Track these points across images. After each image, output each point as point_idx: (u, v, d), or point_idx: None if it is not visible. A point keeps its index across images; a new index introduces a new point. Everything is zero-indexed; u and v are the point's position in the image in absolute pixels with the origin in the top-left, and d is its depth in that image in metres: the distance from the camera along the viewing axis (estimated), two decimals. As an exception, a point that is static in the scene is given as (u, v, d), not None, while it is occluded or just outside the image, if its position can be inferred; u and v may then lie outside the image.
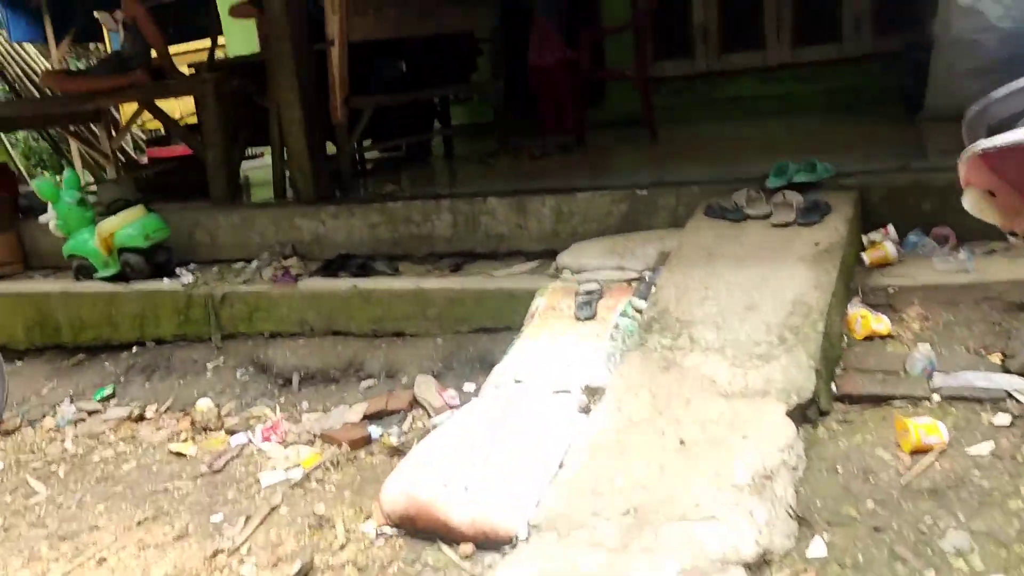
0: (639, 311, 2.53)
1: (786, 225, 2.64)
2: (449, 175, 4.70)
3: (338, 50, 3.71)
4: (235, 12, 4.35)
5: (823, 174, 2.89)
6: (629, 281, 2.75)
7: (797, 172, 2.89)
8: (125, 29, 4.26)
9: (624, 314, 2.55)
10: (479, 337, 3.03)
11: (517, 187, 3.61)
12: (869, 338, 2.27)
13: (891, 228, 2.72)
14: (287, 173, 3.91)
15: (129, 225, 3.72)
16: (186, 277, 3.70)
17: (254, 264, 3.72)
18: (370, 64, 4.84)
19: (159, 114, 4.56)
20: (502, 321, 3.00)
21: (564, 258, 3.00)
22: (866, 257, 2.64)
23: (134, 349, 3.67)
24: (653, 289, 2.51)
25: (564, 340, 2.47)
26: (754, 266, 2.44)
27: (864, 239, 2.72)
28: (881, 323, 2.27)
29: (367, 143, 5.31)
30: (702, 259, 2.55)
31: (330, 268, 3.47)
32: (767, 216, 2.73)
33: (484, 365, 2.93)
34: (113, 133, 5.44)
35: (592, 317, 2.55)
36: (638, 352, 2.22)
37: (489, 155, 4.93)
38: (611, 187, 3.28)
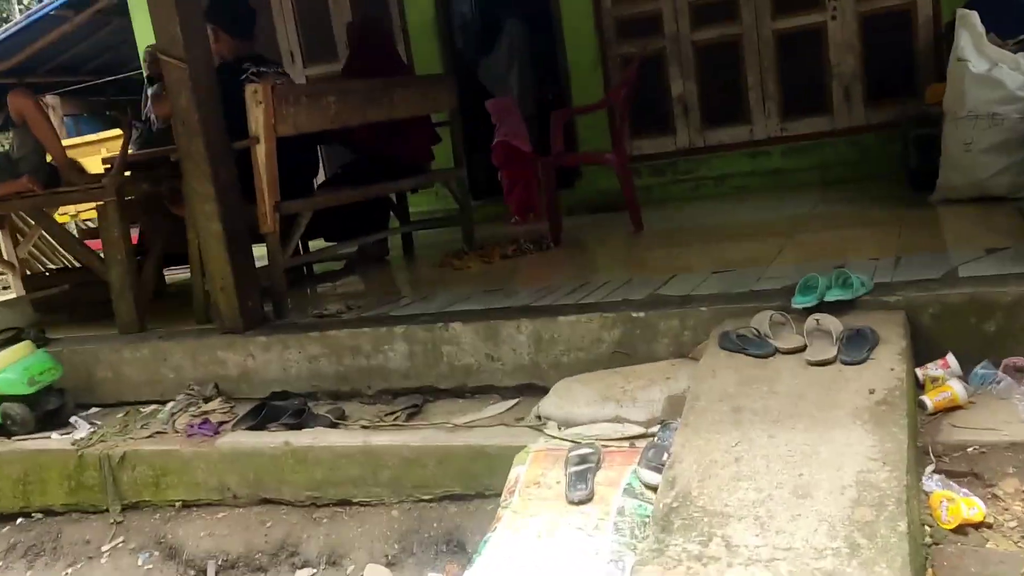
0: (650, 487, 2.00)
1: (827, 363, 2.15)
2: (409, 282, 4.20)
3: (264, 148, 3.23)
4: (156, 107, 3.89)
5: (860, 290, 2.42)
6: (631, 440, 2.23)
7: (829, 289, 2.42)
8: (13, 127, 3.76)
9: (630, 491, 2.02)
10: (445, 508, 2.47)
11: (485, 305, 3.11)
12: (960, 529, 1.76)
13: (951, 359, 2.25)
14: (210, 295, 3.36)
15: (9, 368, 3.14)
16: (80, 430, 3.11)
17: (167, 408, 3.14)
18: (311, 154, 4.39)
19: (51, 225, 4.01)
20: (473, 486, 2.45)
21: (548, 406, 2.47)
22: (928, 400, 2.15)
23: (19, 521, 3.04)
24: (666, 457, 1.99)
25: (555, 535, 1.92)
26: (796, 427, 1.94)
27: (919, 373, 2.24)
28: (973, 508, 1.76)
29: (316, 243, 4.82)
30: (727, 415, 2.04)
31: (259, 415, 2.90)
32: (800, 350, 2.24)
33: (452, 547, 2.37)
34: (18, 239, 4.87)
35: (588, 498, 2.01)
36: (656, 566, 1.68)
37: (454, 255, 4.44)
38: (600, 307, 2.79)
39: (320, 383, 3.07)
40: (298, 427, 2.78)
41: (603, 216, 5.35)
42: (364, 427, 2.73)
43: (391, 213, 4.99)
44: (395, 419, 2.77)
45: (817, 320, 2.29)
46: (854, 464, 1.79)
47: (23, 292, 4.72)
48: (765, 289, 2.68)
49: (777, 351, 2.27)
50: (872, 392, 2.00)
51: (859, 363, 2.12)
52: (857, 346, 2.17)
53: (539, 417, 2.48)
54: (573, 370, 2.71)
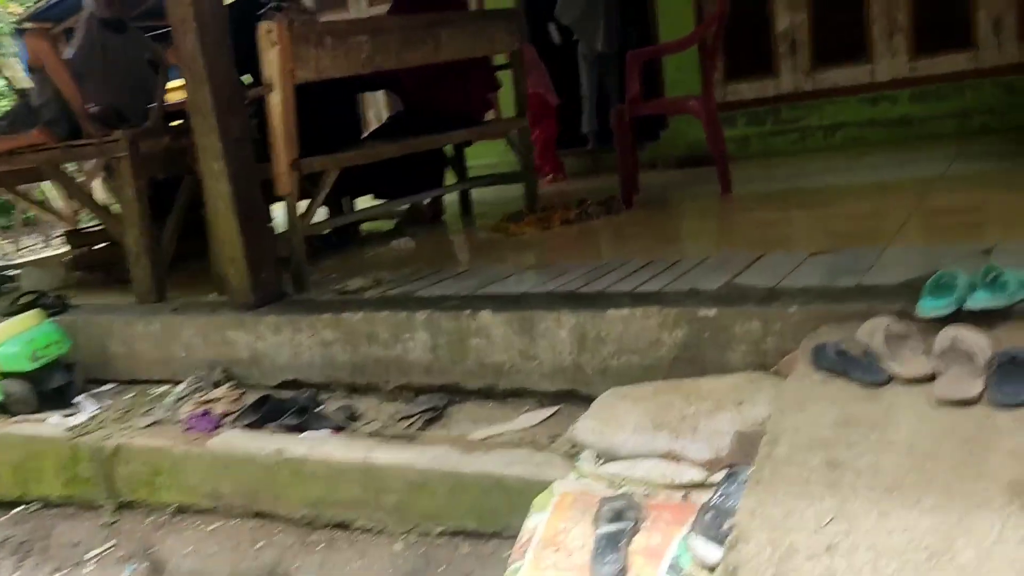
0: (705, 567, 1.48)
1: (968, 403, 1.55)
2: (454, 250, 3.72)
3: (280, 96, 2.78)
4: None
5: (1019, 293, 1.77)
6: (686, 490, 1.70)
7: (973, 290, 1.78)
8: (32, 72, 3.47)
9: (676, 569, 1.50)
10: (456, 547, 2.02)
11: (529, 287, 2.60)
12: None
13: None
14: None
15: (10, 340, 2.88)
16: (82, 413, 2.82)
17: (175, 392, 2.82)
18: (345, 105, 3.93)
19: (64, 180, 3.72)
20: (489, 523, 1.99)
21: (585, 430, 1.96)
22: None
23: (16, 511, 2.81)
24: (728, 525, 1.46)
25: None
26: (920, 502, 1.36)
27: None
28: None
29: (365, 201, 4.41)
30: (818, 473, 1.48)
31: (260, 409, 2.52)
32: (928, 379, 1.64)
33: (461, 600, 1.92)
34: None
35: (621, 573, 1.50)
36: None
37: (511, 218, 3.93)
38: (661, 298, 2.23)
39: (334, 373, 2.66)
40: (299, 429, 2.39)
41: (691, 172, 4.70)
42: (372, 435, 2.30)
43: (447, 169, 4.51)
44: (410, 424, 2.33)
45: (954, 337, 1.67)
46: (1011, 572, 1.21)
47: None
48: (879, 285, 2.05)
49: (893, 379, 1.67)
50: (1037, 456, 1.39)
51: (1018, 406, 1.50)
52: (1014, 379, 1.55)
53: (574, 444, 1.97)
54: (623, 378, 2.18)
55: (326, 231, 3.96)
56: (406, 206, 4.28)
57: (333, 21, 3.05)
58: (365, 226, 4.57)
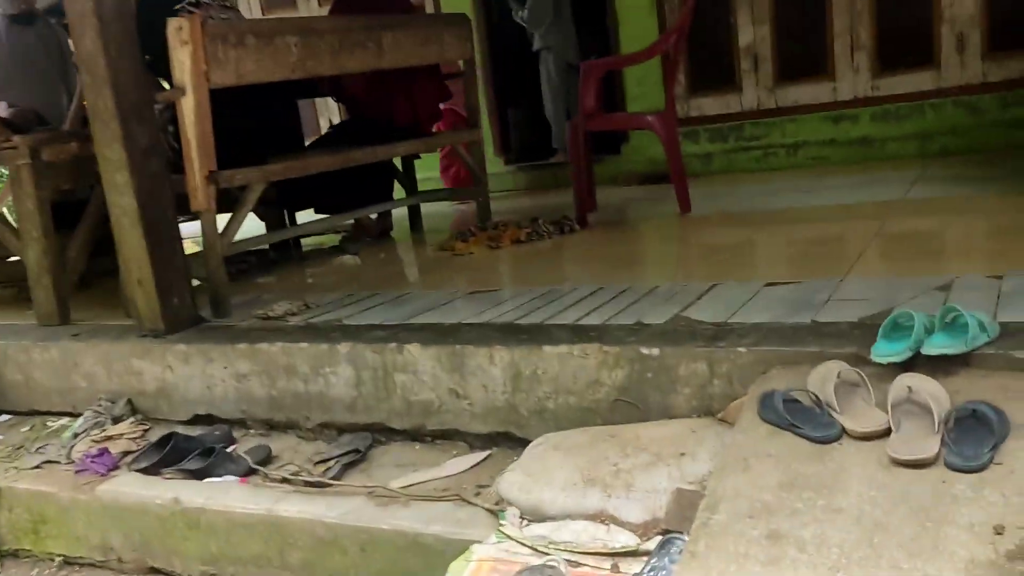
0: (629, 655, 1.31)
1: (923, 464, 1.40)
2: (395, 270, 3.53)
3: (192, 102, 2.58)
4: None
5: (980, 337, 1.64)
6: (615, 559, 1.53)
7: (930, 334, 1.65)
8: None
9: (600, 655, 1.33)
10: (367, 612, 1.84)
11: (468, 314, 2.42)
12: None
13: None
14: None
15: None
16: (-32, 450, 2.58)
17: (74, 426, 2.59)
18: (282, 111, 3.74)
19: None
20: (405, 586, 1.80)
21: (510, 485, 1.78)
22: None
23: None
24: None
25: None
26: (869, 585, 1.21)
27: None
28: None
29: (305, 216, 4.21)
30: (756, 545, 1.32)
31: (163, 448, 2.31)
32: (882, 435, 1.49)
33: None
34: None
35: (536, 663, 1.33)
36: None
37: (459, 235, 3.76)
38: (601, 334, 2.07)
39: (250, 408, 2.46)
40: (203, 473, 2.18)
41: (653, 189, 4.57)
42: (284, 481, 2.10)
43: (396, 181, 4.33)
44: (327, 470, 2.13)
45: (910, 387, 1.53)
46: (967, 677, 1.06)
47: None
48: (834, 322, 1.91)
49: (845, 433, 1.52)
50: (999, 533, 1.24)
51: (977, 470, 1.36)
52: (974, 438, 1.41)
53: (499, 501, 1.80)
54: (561, 420, 2.02)
55: (263, 246, 3.75)
56: (351, 221, 4.08)
57: (260, 19, 2.85)
58: (310, 241, 4.38)
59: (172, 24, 2.57)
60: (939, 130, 4.40)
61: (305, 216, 4.22)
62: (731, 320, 2.05)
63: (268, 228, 4.19)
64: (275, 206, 4.09)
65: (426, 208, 4.45)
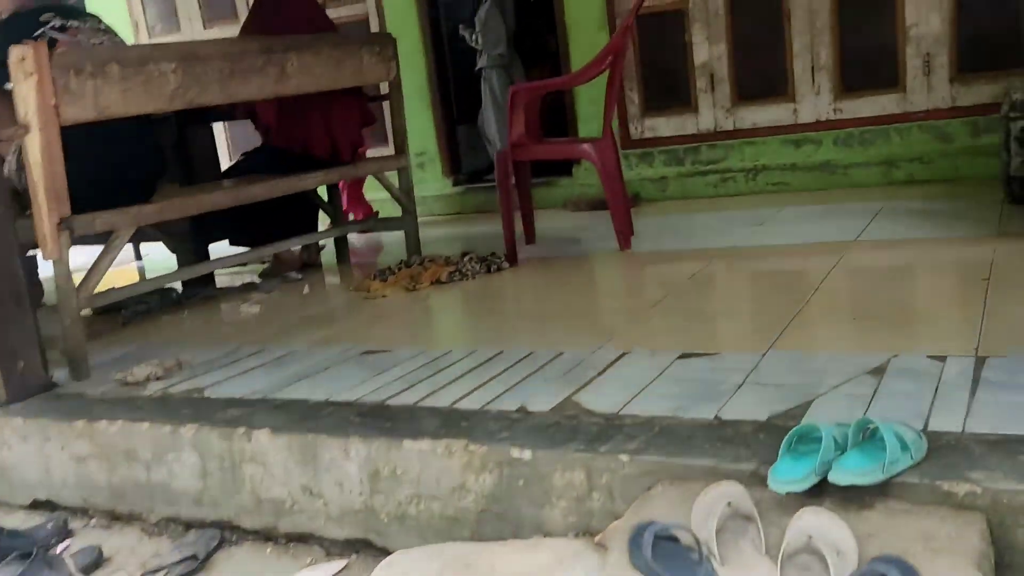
0: None
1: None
2: (297, 317, 3.21)
3: (41, 140, 2.27)
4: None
5: (899, 462, 1.33)
6: None
7: (841, 454, 1.34)
8: None
9: None
10: None
11: (326, 396, 2.11)
12: None
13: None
14: None
15: None
16: None
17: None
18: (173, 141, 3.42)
19: None
20: None
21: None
22: None
23: None
24: None
25: None
26: None
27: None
28: None
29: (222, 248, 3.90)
30: None
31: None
32: (768, 597, 1.19)
33: None
34: None
35: None
36: None
37: (378, 273, 3.45)
38: (471, 425, 1.76)
39: (91, 496, 2.14)
40: (16, 583, 1.86)
41: (603, 216, 4.22)
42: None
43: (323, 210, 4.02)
44: (157, 582, 1.82)
45: (810, 534, 1.22)
46: None
47: None
48: (737, 422, 1.61)
49: (725, 591, 1.22)
50: None
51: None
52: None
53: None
54: (425, 530, 1.71)
55: (166, 286, 3.43)
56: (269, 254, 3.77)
57: (133, 46, 2.53)
58: (230, 274, 4.07)
59: (14, 54, 2.26)
60: (905, 156, 4.12)
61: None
62: (625, 410, 1.74)
63: (180, 263, 3.87)
64: (188, 239, 3.78)
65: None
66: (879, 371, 1.76)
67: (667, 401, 1.76)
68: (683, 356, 2.04)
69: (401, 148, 3.79)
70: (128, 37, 6.34)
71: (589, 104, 4.79)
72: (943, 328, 2.04)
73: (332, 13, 5.49)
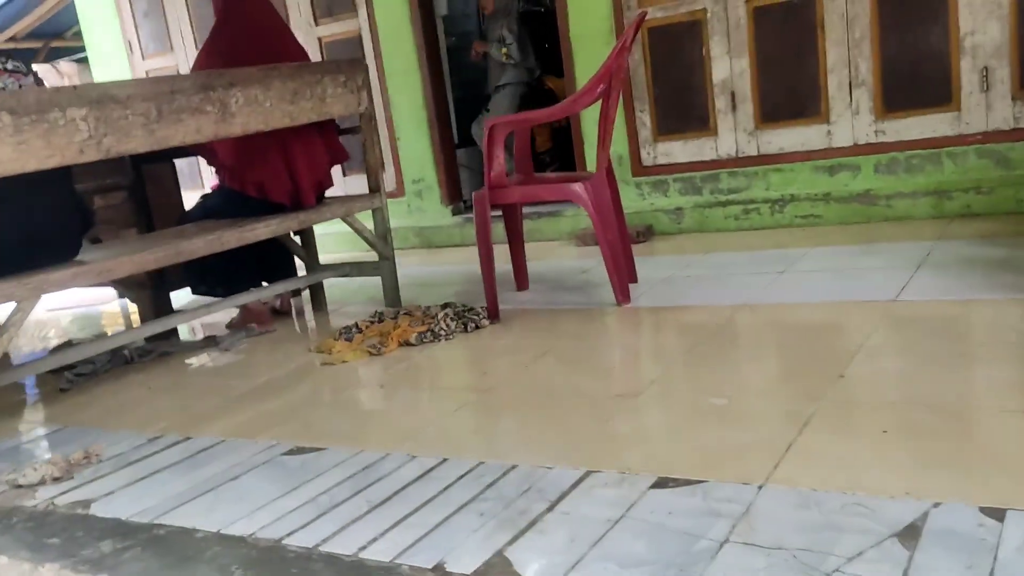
0: None
1: None
2: (248, 384, 2.85)
3: None
4: None
5: None
6: None
7: None
8: None
9: None
10: None
11: (214, 519, 1.75)
12: None
13: None
14: None
15: None
16: None
17: None
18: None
19: None
20: None
21: None
22: None
23: None
24: None
25: None
26: None
27: None
28: None
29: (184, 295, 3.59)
30: None
31: None
32: None
33: None
34: None
35: None
36: None
37: (346, 331, 3.10)
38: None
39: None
40: None
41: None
42: None
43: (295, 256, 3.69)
44: None
45: None
46: None
47: None
48: None
49: None
50: None
51: None
52: None
53: None
54: None
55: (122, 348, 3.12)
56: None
57: (32, 88, 2.22)
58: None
59: None
60: (960, 185, 3.63)
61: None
62: (568, 580, 1.34)
63: (142, 315, 3.58)
64: (146, 286, 3.48)
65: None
66: (912, 533, 1.33)
67: (622, 570, 1.35)
68: (659, 483, 1.63)
69: (375, 186, 3.43)
70: (122, 59, 6.13)
71: (595, 126, 4.39)
72: (1007, 459, 1.58)
73: (322, 31, 5.22)
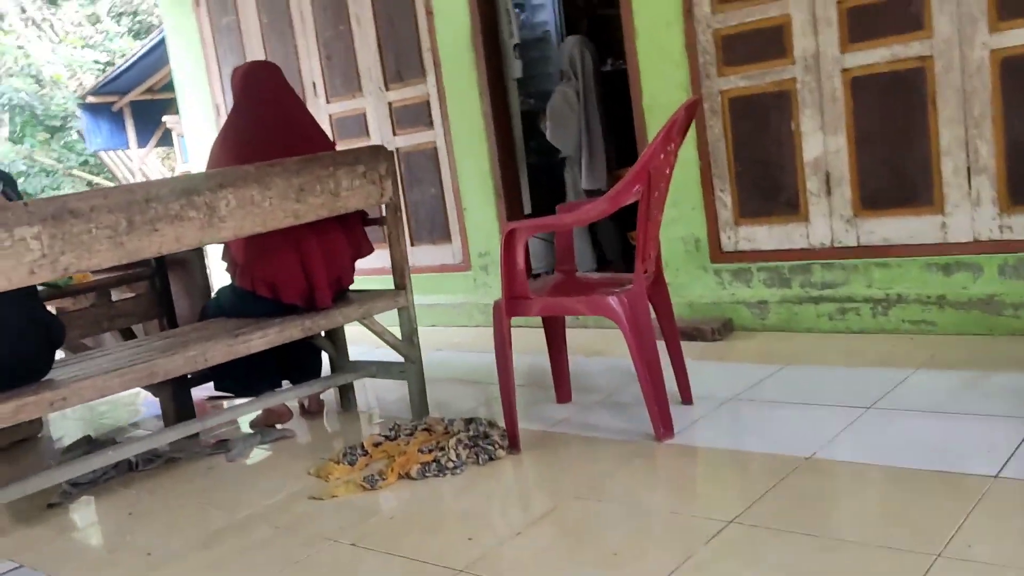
0: None
1: None
2: (239, 510, 2.62)
3: None
4: None
5: None
6: None
7: None
8: None
9: None
10: None
11: None
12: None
13: None
14: None
15: None
16: None
17: None
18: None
19: None
20: None
21: None
22: None
23: None
24: None
25: None
26: None
27: None
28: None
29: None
30: None
31: None
32: None
33: None
34: None
35: None
36: None
37: (349, 454, 2.83)
38: None
39: None
40: None
41: (684, 350, 3.36)
42: None
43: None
44: None
45: None
46: None
47: None
48: None
49: None
50: None
51: None
52: None
53: None
54: None
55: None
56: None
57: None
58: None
59: None
60: (1112, 294, 2.97)
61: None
62: None
63: (164, 413, 3.43)
64: (171, 384, 3.36)
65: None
66: None
67: None
68: None
69: (401, 283, 3.17)
70: (210, 120, 6.23)
71: (669, 205, 3.97)
72: None
73: (392, 96, 5.09)
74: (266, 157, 2.85)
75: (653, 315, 2.77)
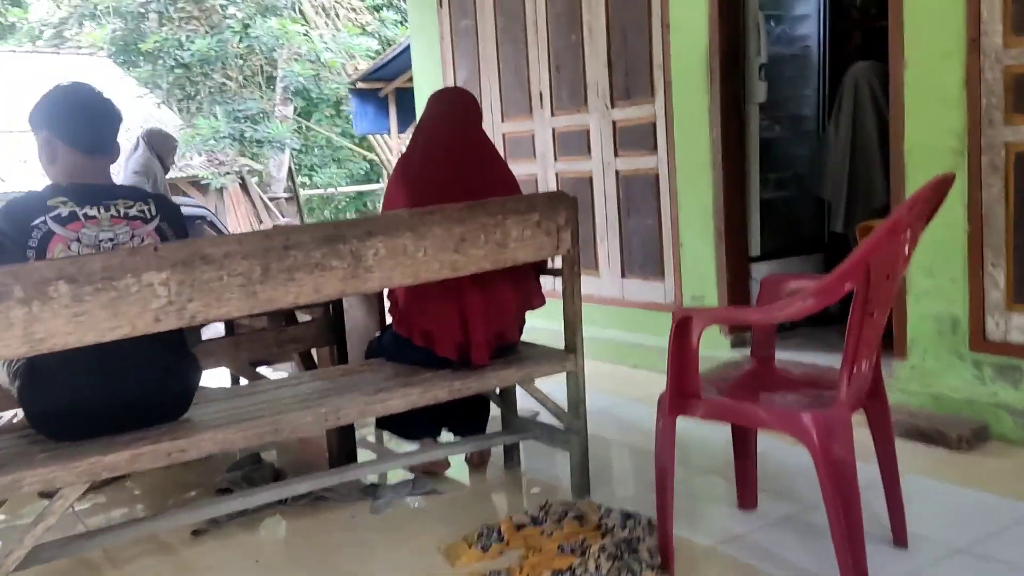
0: None
1: None
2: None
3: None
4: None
5: None
6: None
7: None
8: None
9: None
10: None
11: None
12: None
13: None
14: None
15: None
16: None
17: None
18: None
19: None
20: None
21: None
22: None
23: None
24: None
25: None
26: None
27: None
28: None
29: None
30: None
31: None
32: None
33: None
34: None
35: None
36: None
37: (483, 538, 2.62)
38: None
39: None
40: None
41: (904, 454, 2.74)
42: None
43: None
44: None
45: None
46: None
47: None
48: None
49: None
50: None
51: None
52: None
53: None
54: None
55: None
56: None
57: (101, 256, 2.11)
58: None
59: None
60: None
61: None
62: None
63: (329, 450, 3.41)
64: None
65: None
66: None
67: None
68: None
69: (572, 345, 2.89)
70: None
71: (925, 275, 3.30)
72: None
73: (616, 114, 4.80)
74: (436, 189, 2.71)
75: (863, 428, 2.24)
